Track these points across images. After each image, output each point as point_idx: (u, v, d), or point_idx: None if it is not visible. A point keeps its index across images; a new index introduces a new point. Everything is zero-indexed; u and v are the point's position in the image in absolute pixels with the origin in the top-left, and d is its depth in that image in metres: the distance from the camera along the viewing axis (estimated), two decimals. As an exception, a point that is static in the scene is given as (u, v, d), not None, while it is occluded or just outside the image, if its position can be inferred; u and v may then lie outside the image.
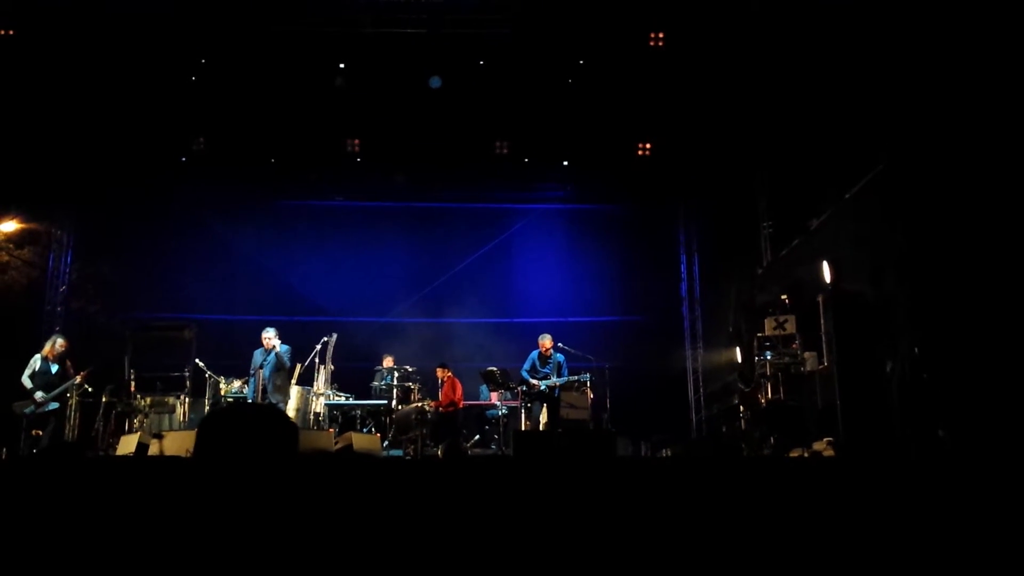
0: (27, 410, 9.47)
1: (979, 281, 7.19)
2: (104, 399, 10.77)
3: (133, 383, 11.18)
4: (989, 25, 7.35)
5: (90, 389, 10.55)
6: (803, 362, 9.42)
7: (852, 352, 8.18)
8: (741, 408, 10.46)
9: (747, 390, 10.33)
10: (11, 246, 13.39)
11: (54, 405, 9.63)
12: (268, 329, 10.33)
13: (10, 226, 13.25)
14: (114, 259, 14.11)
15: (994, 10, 7.35)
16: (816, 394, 8.75)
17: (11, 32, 10.92)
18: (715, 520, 4.26)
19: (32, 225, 13.60)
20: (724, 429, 11.20)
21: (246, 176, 14.18)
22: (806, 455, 7.65)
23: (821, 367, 8.83)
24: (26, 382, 9.58)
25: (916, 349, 7.42)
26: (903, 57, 8.07)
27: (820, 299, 8.95)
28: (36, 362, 9.74)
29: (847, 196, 9.32)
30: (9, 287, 13.28)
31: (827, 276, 9.13)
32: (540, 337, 11.38)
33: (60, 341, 9.93)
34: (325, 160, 13.56)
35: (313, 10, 11.52)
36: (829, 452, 7.40)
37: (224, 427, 3.64)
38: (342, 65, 12.37)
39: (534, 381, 11.08)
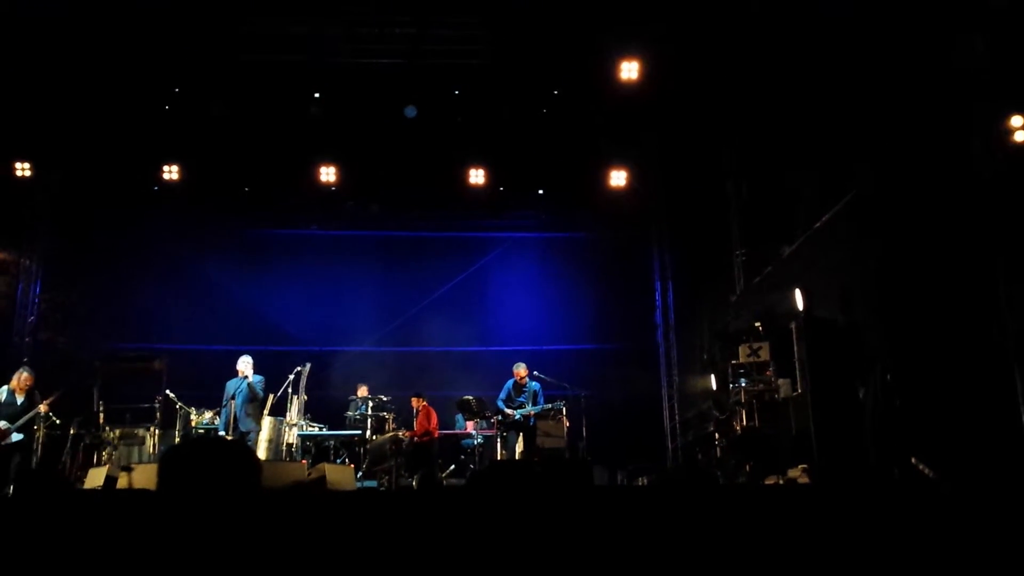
0: None
1: (949, 306, 7.29)
2: (72, 431, 10.56)
3: (102, 415, 10.98)
4: (952, 59, 7.51)
5: (58, 421, 10.35)
6: (777, 389, 9.46)
7: (825, 379, 8.23)
8: (716, 435, 10.47)
9: (722, 417, 10.35)
10: (-23, 276, 13.20)
11: (18, 437, 9.40)
12: (244, 357, 10.22)
13: (-23, 255, 13.07)
14: (84, 289, 13.93)
15: (950, 45, 7.53)
16: (790, 421, 8.78)
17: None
18: (693, 549, 4.24)
19: (0, 255, 13.41)
20: (700, 457, 11.19)
21: (220, 205, 14.12)
22: (781, 482, 7.65)
23: (795, 394, 8.87)
24: None
25: (888, 376, 7.48)
26: (872, 87, 8.22)
27: (793, 326, 9.01)
28: (1, 394, 9.53)
29: (818, 224, 9.43)
30: (-24, 317, 13.08)
31: (799, 303, 9.22)
32: (515, 366, 11.35)
33: (26, 374, 9.70)
34: (300, 189, 13.52)
35: (288, 39, 11.55)
36: (804, 479, 7.41)
37: (185, 462, 3.58)
38: (317, 95, 12.40)
39: (509, 411, 11.04)
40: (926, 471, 5.99)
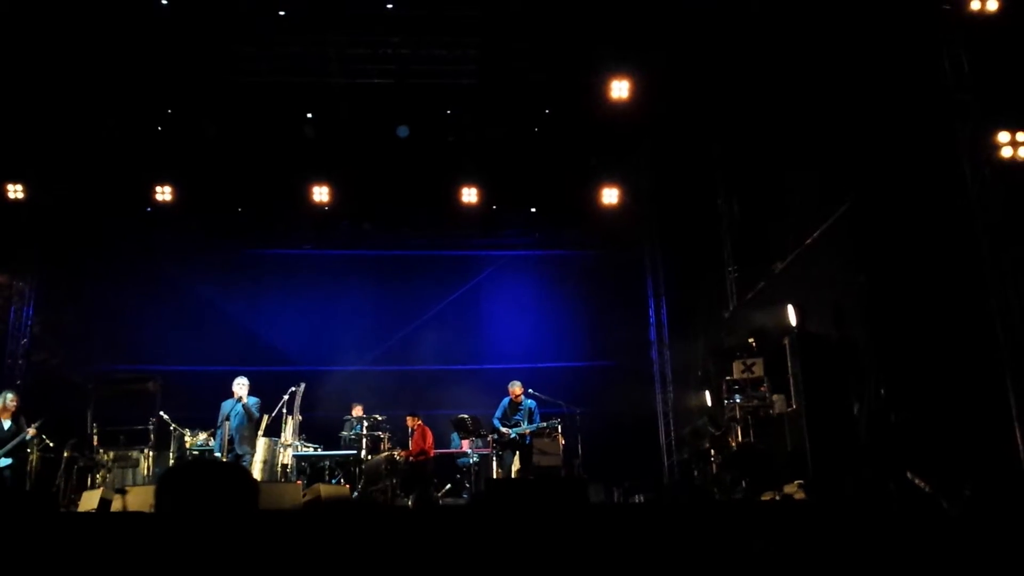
0: None
1: (942, 320, 7.33)
2: (66, 454, 10.49)
3: (96, 437, 10.91)
4: (938, 76, 7.61)
5: (51, 444, 10.28)
6: (772, 404, 9.48)
7: (819, 394, 8.26)
8: (712, 452, 10.47)
9: (717, 433, 10.35)
10: (-29, 298, 13.16)
11: (7, 461, 9.31)
12: (240, 378, 10.19)
13: (-30, 278, 13.05)
14: (77, 310, 13.89)
15: (936, 63, 7.62)
16: (785, 436, 8.79)
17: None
18: (690, 566, 4.24)
19: (-8, 277, 13.39)
20: (696, 473, 11.18)
21: (212, 225, 14.14)
22: (778, 498, 7.66)
23: (789, 409, 8.89)
24: None
25: (882, 390, 7.51)
26: (860, 104, 8.30)
27: (786, 341, 9.04)
28: None
29: (809, 240, 9.49)
30: (-31, 340, 13.03)
31: (792, 319, 9.25)
32: (510, 384, 11.34)
33: (10, 396, 9.61)
34: (293, 209, 13.55)
35: (281, 60, 11.61)
36: (800, 495, 7.42)
37: (182, 484, 3.57)
38: (310, 115, 12.46)
39: (505, 429, 11.02)
40: (922, 485, 6.00)
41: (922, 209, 7.65)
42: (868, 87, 8.20)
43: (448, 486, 11.94)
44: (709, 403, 11.69)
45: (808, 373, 8.43)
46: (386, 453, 10.94)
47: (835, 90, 8.68)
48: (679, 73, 11.29)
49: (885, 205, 7.99)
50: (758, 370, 9.97)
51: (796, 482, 7.71)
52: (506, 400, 11.28)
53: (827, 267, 9.08)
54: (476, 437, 11.71)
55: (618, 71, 11.31)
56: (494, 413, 11.32)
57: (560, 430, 11.26)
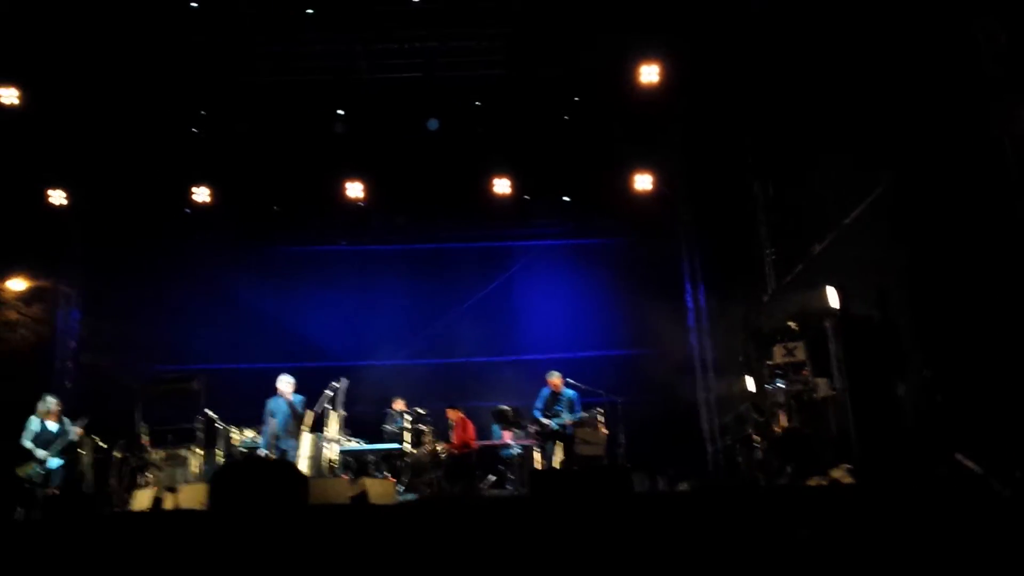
0: (31, 472, 9.38)
1: (987, 297, 7.19)
2: (116, 454, 10.73)
3: (145, 436, 11.14)
4: (976, 51, 7.44)
5: (102, 445, 10.52)
6: (815, 388, 9.38)
7: (863, 376, 8.15)
8: (756, 438, 10.39)
9: (761, 419, 10.27)
10: (20, 304, 13.46)
11: (58, 462, 9.54)
12: (284, 376, 10.33)
13: (19, 284, 13.35)
14: (122, 313, 14.15)
15: (974, 37, 7.45)
16: (830, 420, 8.70)
17: (17, 92, 11.06)
18: (738, 552, 4.23)
19: (40, 282, 13.68)
20: (740, 460, 11.11)
21: (250, 225, 14.32)
22: (824, 483, 7.59)
23: (833, 393, 8.79)
24: (27, 444, 9.50)
25: (927, 371, 7.40)
26: (897, 79, 8.15)
27: (828, 324, 8.94)
28: (34, 424, 9.66)
29: (848, 220, 9.36)
30: (20, 345, 13.33)
31: (833, 301, 9.13)
32: (548, 375, 11.35)
33: (53, 400, 9.84)
34: (327, 206, 13.68)
35: (310, 58, 11.71)
36: (847, 479, 7.34)
37: (235, 482, 3.66)
38: (341, 112, 12.55)
39: (546, 420, 11.04)
40: (972, 467, 5.92)
41: (962, 185, 7.50)
42: (903, 62, 8.05)
43: (492, 478, 12.00)
44: (751, 388, 11.59)
45: (851, 355, 8.33)
46: (429, 446, 11.02)
47: (868, 67, 8.53)
48: (709, 55, 11.19)
49: (925, 182, 7.84)
50: (800, 354, 9.86)
51: (843, 466, 7.63)
52: (546, 391, 11.29)
53: (867, 247, 8.94)
54: (517, 428, 11.74)
55: (647, 56, 11.23)
56: (534, 404, 11.34)
57: (602, 419, 11.25)
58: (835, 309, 9.03)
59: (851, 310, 8.87)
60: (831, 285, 9.23)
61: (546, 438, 11.06)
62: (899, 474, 7.05)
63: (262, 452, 10.03)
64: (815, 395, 9.30)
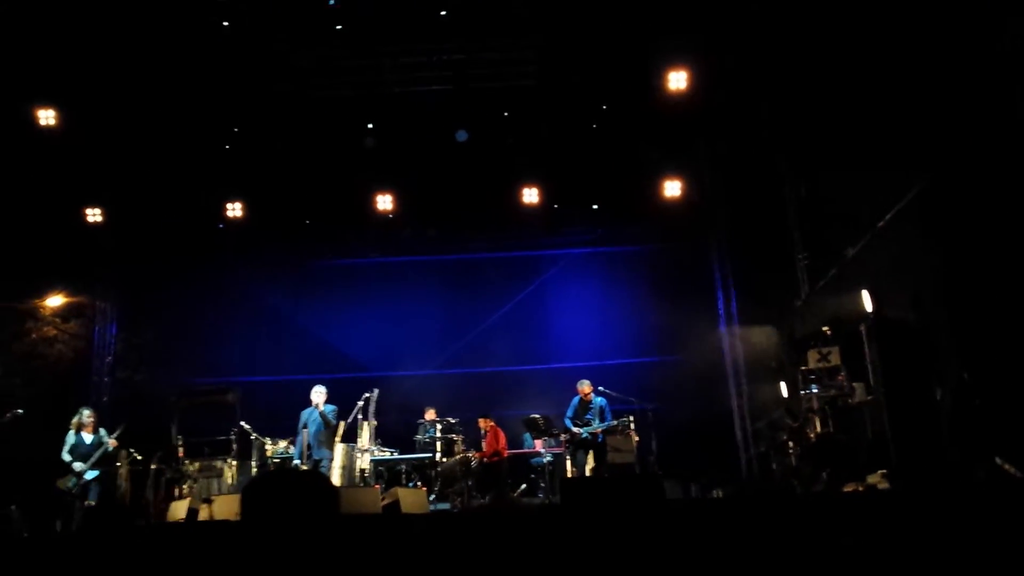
0: (70, 484, 9.53)
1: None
2: (153, 466, 10.88)
3: (181, 448, 11.28)
4: (1007, 45, 7.31)
5: (139, 457, 10.67)
6: (850, 393, 9.25)
7: (899, 381, 8.02)
8: (790, 444, 10.26)
9: (795, 425, 10.15)
10: (58, 320, 13.73)
11: (93, 474, 9.67)
12: (317, 387, 10.41)
13: (56, 300, 13.62)
14: (157, 327, 14.39)
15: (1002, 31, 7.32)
16: (866, 425, 8.57)
17: (54, 113, 11.29)
18: (774, 561, 4.17)
19: (77, 298, 13.95)
20: (774, 466, 10.98)
21: (281, 239, 14.46)
22: (861, 489, 7.47)
23: (869, 397, 8.66)
24: (65, 457, 9.67)
25: (965, 374, 7.26)
26: (931, 79, 8.03)
27: (863, 328, 8.81)
28: (70, 437, 9.82)
29: (881, 223, 9.23)
30: (58, 360, 13.60)
31: (868, 305, 9.00)
32: (579, 383, 11.32)
33: (87, 412, 9.98)
34: (358, 219, 13.77)
35: (340, 74, 11.83)
36: (884, 484, 7.23)
37: (267, 493, 3.68)
38: (370, 125, 12.65)
39: (576, 429, 11.01)
40: (1012, 470, 5.79)
41: (998, 186, 7.36)
42: (938, 63, 7.93)
43: (523, 486, 11.98)
44: (785, 394, 11.46)
45: (887, 359, 8.20)
46: (460, 455, 11.03)
47: (901, 68, 8.42)
48: (737, 59, 11.12)
49: (959, 184, 7.72)
50: (834, 359, 9.74)
51: (880, 472, 7.51)
52: (576, 399, 11.26)
53: (901, 249, 8.81)
54: (548, 436, 11.72)
55: (675, 62, 11.19)
56: (565, 412, 11.31)
57: (633, 427, 11.19)
58: (870, 313, 8.90)
59: (886, 313, 8.73)
60: (865, 288, 9.10)
61: (576, 447, 11.03)
62: (937, 479, 6.92)
63: (296, 463, 10.11)
64: (850, 400, 9.18)
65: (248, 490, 3.67)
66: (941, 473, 7.03)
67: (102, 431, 9.89)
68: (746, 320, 13.91)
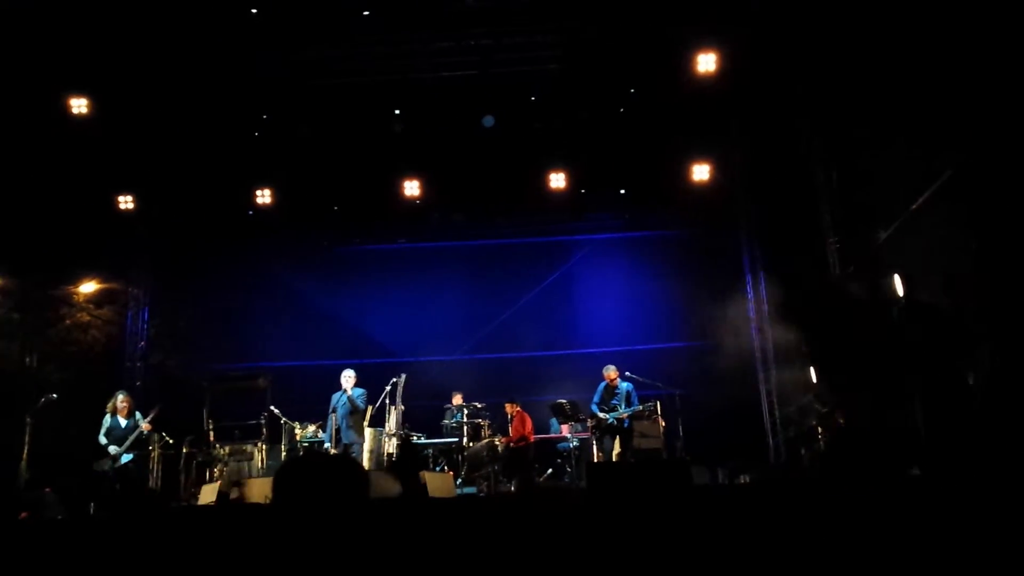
0: (106, 467, 9.68)
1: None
2: (184, 450, 11.04)
3: (212, 433, 11.43)
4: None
5: (171, 441, 10.83)
6: (881, 379, 9.14)
7: (932, 365, 7.90)
8: (819, 430, 10.17)
9: (824, 411, 10.06)
10: (91, 306, 13.95)
11: (128, 457, 9.80)
12: (347, 371, 10.50)
13: (90, 287, 13.83)
14: (188, 313, 14.58)
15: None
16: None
17: (86, 101, 11.42)
18: (801, 546, 4.15)
19: (110, 285, 14.16)
20: (803, 452, 10.90)
21: (310, 225, 14.57)
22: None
23: (900, 383, 8.55)
24: (101, 440, 9.83)
25: (998, 359, 7.15)
26: (963, 57, 7.87)
27: (895, 313, 8.69)
28: (107, 421, 9.97)
29: (914, 206, 9.09)
30: (91, 346, 13.83)
31: (899, 289, 8.88)
32: (605, 368, 11.31)
33: (122, 397, 10.10)
34: (386, 205, 13.81)
35: (367, 60, 11.84)
36: (914, 471, 7.14)
37: (298, 476, 3.73)
38: (397, 111, 12.66)
39: (602, 415, 11.00)
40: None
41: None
42: (969, 43, 7.77)
43: (549, 471, 12.01)
44: (814, 380, 11.36)
45: (919, 344, 8.08)
46: (487, 440, 11.09)
47: (932, 48, 8.26)
48: (766, 41, 10.96)
49: (992, 167, 7.57)
50: (865, 344, 9.62)
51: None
52: (602, 385, 11.25)
53: (934, 234, 8.68)
54: (575, 422, 11.74)
55: (703, 45, 11.07)
56: (592, 397, 11.31)
57: (660, 412, 11.17)
58: (901, 297, 8.79)
59: (918, 297, 8.61)
60: (897, 272, 8.98)
61: (603, 432, 11.03)
62: (970, 465, 6.83)
63: (326, 446, 10.22)
64: (881, 386, 9.06)
65: (280, 473, 3.71)
66: (973, 459, 6.93)
67: (138, 415, 10.04)
68: (776, 305, 13.78)
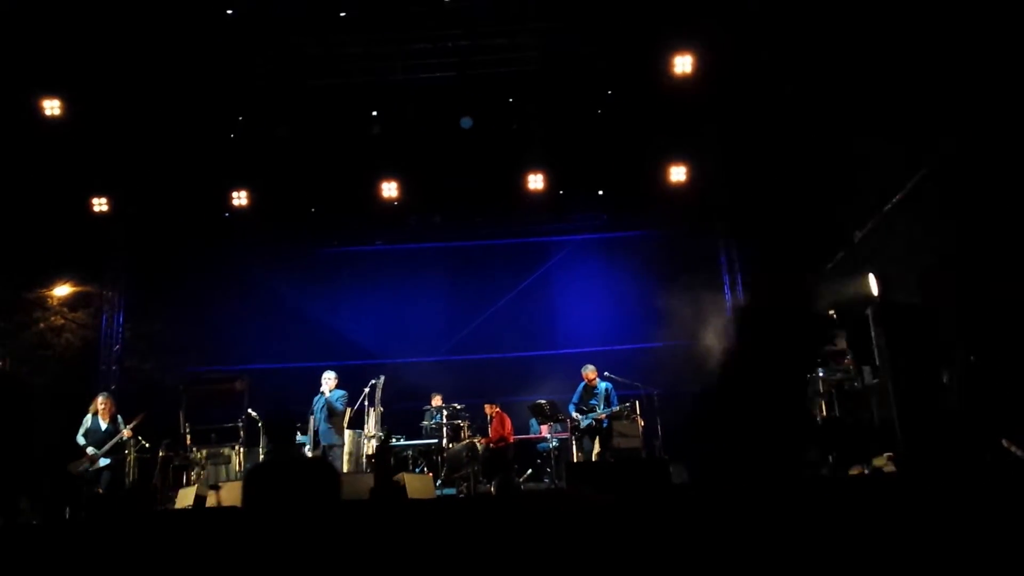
0: (82, 468, 9.59)
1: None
2: (161, 453, 10.93)
3: (189, 436, 11.33)
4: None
5: (147, 444, 10.72)
6: (857, 377, 9.23)
7: (906, 363, 7.99)
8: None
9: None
10: (65, 309, 13.79)
11: (106, 461, 9.72)
12: (327, 373, 10.48)
13: (64, 290, 13.67)
14: (164, 316, 14.44)
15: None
16: (872, 409, 8.55)
17: (59, 102, 11.30)
18: (779, 543, 4.17)
19: (84, 287, 14.01)
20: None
21: (287, 227, 14.46)
22: (866, 472, 7.47)
23: (875, 381, 8.65)
24: (80, 440, 9.74)
25: (972, 357, 7.24)
26: (941, 57, 7.97)
27: (869, 312, 8.78)
28: (87, 421, 9.90)
29: (888, 207, 9.19)
30: (65, 349, 13.66)
31: (874, 288, 8.98)
32: (583, 368, 11.33)
33: (102, 398, 10.05)
34: (364, 206, 13.75)
35: (344, 61, 11.80)
36: (890, 467, 7.22)
37: (266, 480, 3.70)
38: (375, 113, 12.62)
39: (577, 416, 11.04)
40: (1019, 452, 5.78)
41: (1008, 169, 7.32)
42: (949, 37, 7.86)
43: (529, 471, 12.02)
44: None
45: (893, 343, 8.17)
46: (467, 441, 11.07)
47: (909, 46, 8.35)
48: (741, 41, 11.04)
49: (967, 168, 7.67)
50: (841, 343, 9.72)
51: (886, 455, 7.50)
52: (581, 385, 11.28)
53: (908, 233, 8.78)
54: (554, 422, 11.75)
55: (680, 46, 11.13)
56: (571, 398, 11.32)
57: (638, 412, 11.20)
58: (876, 296, 8.88)
59: (892, 297, 8.71)
60: (872, 272, 9.08)
61: (583, 433, 11.05)
62: (943, 461, 6.91)
63: (307, 449, 10.16)
64: (858, 384, 9.17)
65: (250, 476, 3.68)
66: (947, 455, 7.01)
67: (120, 419, 9.95)
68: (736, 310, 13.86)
